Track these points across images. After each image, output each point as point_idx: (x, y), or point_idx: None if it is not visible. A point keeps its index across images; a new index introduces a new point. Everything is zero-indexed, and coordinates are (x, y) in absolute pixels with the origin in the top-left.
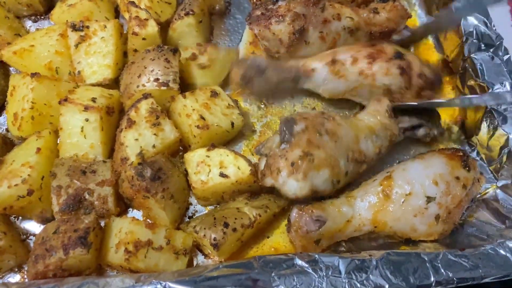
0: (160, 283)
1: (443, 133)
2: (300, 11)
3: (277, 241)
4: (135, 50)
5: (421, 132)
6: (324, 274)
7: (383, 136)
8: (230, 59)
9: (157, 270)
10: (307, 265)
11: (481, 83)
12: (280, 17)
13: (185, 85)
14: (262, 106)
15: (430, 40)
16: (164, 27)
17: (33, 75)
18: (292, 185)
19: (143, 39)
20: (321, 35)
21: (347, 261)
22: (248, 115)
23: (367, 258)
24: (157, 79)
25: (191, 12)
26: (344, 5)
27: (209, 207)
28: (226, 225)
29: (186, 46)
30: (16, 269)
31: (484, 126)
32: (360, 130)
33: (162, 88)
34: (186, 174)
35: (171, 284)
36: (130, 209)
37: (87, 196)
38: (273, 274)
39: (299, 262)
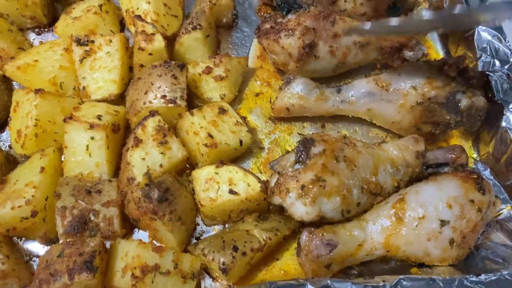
0: None
1: (464, 166)
2: (310, 25)
3: (287, 263)
4: (141, 65)
5: (445, 170)
6: None
7: (404, 171)
8: (242, 67)
9: None
10: None
11: (496, 101)
12: (290, 31)
13: (200, 101)
14: (271, 121)
15: (441, 54)
16: (171, 40)
17: (37, 91)
18: (299, 208)
19: (150, 54)
20: (331, 50)
21: (360, 287)
22: (256, 132)
23: (380, 284)
24: (164, 96)
25: (198, 27)
26: (354, 19)
27: (216, 227)
28: (235, 248)
29: (196, 61)
30: None
31: (497, 144)
32: (381, 161)
33: (170, 105)
34: (193, 193)
35: None
36: (136, 229)
37: (92, 218)
38: None
39: None
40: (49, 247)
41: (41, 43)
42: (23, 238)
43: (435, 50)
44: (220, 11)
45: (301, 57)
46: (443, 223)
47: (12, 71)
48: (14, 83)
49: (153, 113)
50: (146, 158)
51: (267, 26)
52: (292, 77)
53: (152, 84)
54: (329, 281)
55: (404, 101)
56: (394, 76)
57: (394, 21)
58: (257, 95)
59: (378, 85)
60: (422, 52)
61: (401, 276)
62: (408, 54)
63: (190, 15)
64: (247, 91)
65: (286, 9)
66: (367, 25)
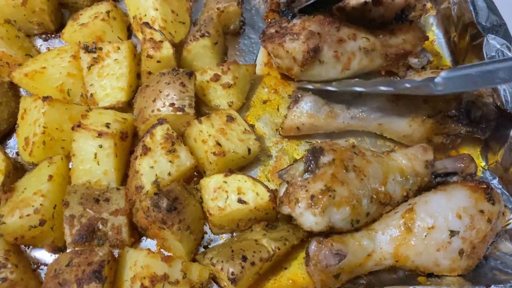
0: None
1: (473, 175)
2: (315, 29)
3: (295, 272)
4: (149, 72)
5: (454, 179)
6: None
7: (413, 181)
8: (250, 75)
9: None
10: None
11: (505, 110)
12: (295, 35)
13: (208, 108)
14: (279, 130)
15: (448, 61)
16: (178, 47)
17: (45, 98)
18: (308, 218)
19: (158, 61)
20: (335, 54)
21: None
22: (264, 139)
23: None
24: (172, 104)
25: (206, 34)
26: (360, 25)
27: (224, 236)
28: (244, 258)
29: (204, 68)
30: None
31: (505, 153)
32: (390, 171)
33: (178, 113)
34: (201, 202)
35: None
36: (144, 237)
37: (100, 226)
38: None
39: None
40: (56, 255)
41: (48, 49)
42: (30, 246)
43: (443, 57)
44: (228, 18)
45: (306, 61)
46: (452, 233)
47: (19, 78)
48: (21, 89)
49: (161, 121)
50: (155, 167)
51: (272, 30)
52: (300, 95)
53: (161, 91)
54: None
55: (415, 114)
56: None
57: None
58: (264, 102)
59: (388, 100)
60: (427, 59)
61: (410, 287)
62: (413, 61)
63: (198, 22)
64: (255, 98)
65: (291, 15)
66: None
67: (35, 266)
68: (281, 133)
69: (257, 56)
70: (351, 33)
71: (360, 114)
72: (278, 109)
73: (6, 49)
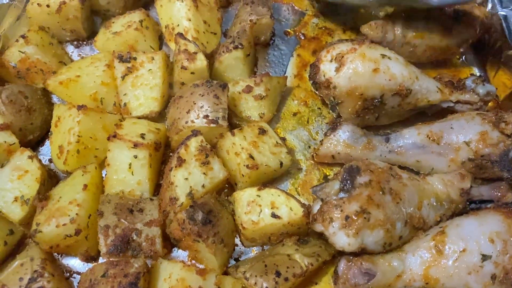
0: None
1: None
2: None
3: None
4: (182, 83)
5: (488, 206)
6: None
7: (447, 206)
8: (281, 87)
9: None
10: None
11: None
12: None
13: (238, 119)
14: (313, 142)
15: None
16: (209, 57)
17: (80, 107)
18: (341, 239)
19: (192, 73)
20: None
21: None
22: (294, 152)
23: None
24: (206, 116)
25: (240, 46)
26: None
27: (255, 249)
28: (278, 274)
29: (236, 80)
30: None
31: None
32: (425, 195)
33: (212, 125)
34: (233, 214)
35: None
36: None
37: (134, 237)
38: None
39: None
40: (89, 264)
41: (80, 56)
42: (63, 255)
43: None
44: (260, 30)
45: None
46: (484, 257)
47: (54, 86)
48: (53, 96)
49: (195, 133)
50: (189, 178)
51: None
52: (338, 123)
53: (195, 103)
54: None
55: (455, 156)
56: (446, 128)
57: None
58: (294, 114)
59: (429, 138)
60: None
61: None
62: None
63: (229, 33)
64: (285, 110)
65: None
66: None
67: (68, 274)
68: (315, 159)
69: (286, 67)
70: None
71: (399, 149)
72: (308, 122)
73: (41, 56)
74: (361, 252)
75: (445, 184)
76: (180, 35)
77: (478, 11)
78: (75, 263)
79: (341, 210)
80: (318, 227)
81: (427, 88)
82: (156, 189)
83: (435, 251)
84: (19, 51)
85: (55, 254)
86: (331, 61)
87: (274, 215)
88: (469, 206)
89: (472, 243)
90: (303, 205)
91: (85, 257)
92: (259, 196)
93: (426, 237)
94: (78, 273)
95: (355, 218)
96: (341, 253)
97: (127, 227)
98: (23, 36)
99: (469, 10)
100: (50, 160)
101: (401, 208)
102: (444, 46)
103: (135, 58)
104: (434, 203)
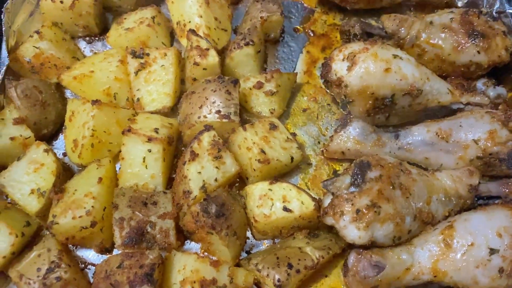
0: None
1: None
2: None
3: (336, 280)
4: (194, 79)
5: (496, 202)
6: None
7: (455, 202)
8: (291, 83)
9: None
10: None
11: None
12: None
13: (249, 114)
14: (322, 138)
15: None
16: (219, 54)
17: (94, 102)
18: (352, 232)
19: (204, 69)
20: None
21: None
22: (304, 147)
23: None
24: (218, 111)
25: (251, 43)
26: None
27: (266, 242)
28: (290, 266)
29: (246, 76)
30: None
31: None
32: (434, 190)
33: (224, 120)
34: (245, 207)
35: None
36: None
37: (149, 229)
38: None
39: None
40: (103, 255)
41: (92, 51)
42: (77, 246)
43: None
44: (270, 27)
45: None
46: (492, 251)
47: (68, 81)
48: (66, 91)
49: (208, 128)
50: (202, 172)
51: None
52: (348, 120)
53: (207, 99)
54: None
55: (464, 153)
56: (455, 126)
57: None
58: (304, 110)
59: (438, 135)
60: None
61: None
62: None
63: (240, 30)
64: (294, 106)
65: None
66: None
67: (83, 265)
68: (324, 154)
69: (296, 64)
70: None
71: (408, 146)
72: (317, 118)
73: (55, 52)
74: (371, 246)
75: (453, 180)
76: (193, 31)
77: (501, 41)
78: (89, 254)
79: (352, 204)
80: (329, 220)
81: (438, 89)
82: (169, 182)
83: (443, 245)
84: (33, 46)
85: (70, 246)
86: (343, 60)
87: (285, 209)
88: (477, 202)
89: (480, 237)
90: (314, 199)
91: (100, 249)
92: (271, 190)
93: (434, 231)
94: (93, 265)
95: (366, 212)
96: (351, 246)
97: (142, 220)
98: (37, 32)
99: (491, 35)
100: (64, 154)
101: (410, 203)
102: (452, 61)
103: (148, 54)
104: (443, 199)
